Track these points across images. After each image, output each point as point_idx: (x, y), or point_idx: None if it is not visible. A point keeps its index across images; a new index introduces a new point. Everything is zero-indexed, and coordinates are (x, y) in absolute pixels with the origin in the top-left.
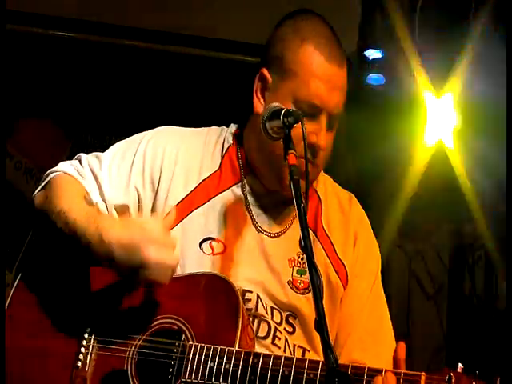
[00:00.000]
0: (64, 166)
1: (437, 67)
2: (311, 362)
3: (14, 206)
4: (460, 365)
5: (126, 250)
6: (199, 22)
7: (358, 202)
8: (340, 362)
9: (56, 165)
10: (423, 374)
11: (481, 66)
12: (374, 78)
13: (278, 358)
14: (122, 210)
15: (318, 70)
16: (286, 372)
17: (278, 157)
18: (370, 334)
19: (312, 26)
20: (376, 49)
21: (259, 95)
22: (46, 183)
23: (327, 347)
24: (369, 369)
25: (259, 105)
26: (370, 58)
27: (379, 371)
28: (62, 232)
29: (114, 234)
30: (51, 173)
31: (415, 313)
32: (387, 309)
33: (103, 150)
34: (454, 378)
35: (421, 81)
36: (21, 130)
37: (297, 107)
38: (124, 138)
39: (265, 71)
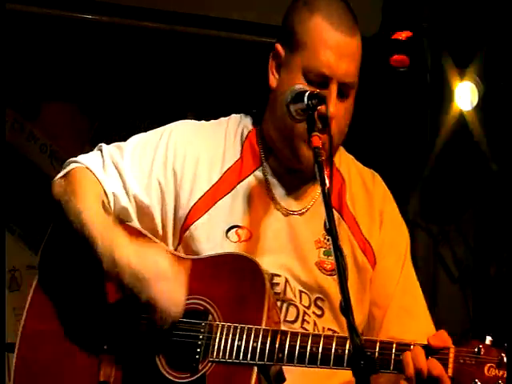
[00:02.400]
0: (86, 160)
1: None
2: (339, 337)
3: (40, 188)
4: (489, 337)
5: (136, 282)
6: (221, 3)
7: (381, 180)
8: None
9: (80, 147)
10: (452, 346)
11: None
12: (398, 59)
13: (305, 336)
14: (142, 205)
15: (326, 39)
16: (313, 349)
17: (294, 131)
18: (405, 310)
19: None
20: (401, 30)
21: (274, 71)
22: (66, 173)
23: (353, 330)
24: (397, 343)
25: (274, 80)
26: (395, 40)
27: (408, 345)
28: (77, 233)
29: (126, 260)
30: (72, 162)
31: (441, 297)
32: (419, 285)
33: (126, 132)
34: (483, 349)
35: (446, 61)
36: (45, 113)
37: (306, 78)
38: (147, 121)
39: (278, 46)
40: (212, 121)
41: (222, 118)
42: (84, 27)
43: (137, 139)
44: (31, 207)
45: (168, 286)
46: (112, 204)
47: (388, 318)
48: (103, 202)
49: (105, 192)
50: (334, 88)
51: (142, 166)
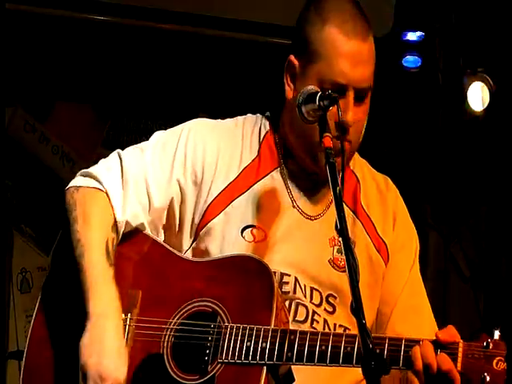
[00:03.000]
0: (104, 178)
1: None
2: (348, 336)
3: (51, 189)
4: (497, 331)
5: (82, 357)
6: (233, 4)
7: (393, 184)
8: (385, 334)
9: (92, 149)
10: (461, 341)
11: None
12: (409, 59)
13: (314, 334)
14: (160, 213)
15: (340, 49)
16: (323, 347)
17: (313, 139)
18: (411, 308)
19: (334, 5)
20: (412, 31)
21: (289, 82)
22: (80, 187)
23: (363, 330)
24: (406, 339)
25: (290, 91)
26: (406, 39)
27: (417, 341)
28: (76, 260)
29: (93, 351)
30: (90, 177)
31: (452, 296)
32: (423, 286)
33: (139, 133)
34: (491, 344)
35: (456, 61)
36: (57, 114)
37: (322, 88)
38: (159, 122)
39: (292, 57)
40: (228, 119)
41: (239, 117)
42: (96, 28)
43: (156, 139)
44: (42, 209)
45: (109, 364)
46: (121, 231)
47: (395, 314)
48: (112, 227)
49: (115, 221)
50: (351, 95)
51: (162, 167)
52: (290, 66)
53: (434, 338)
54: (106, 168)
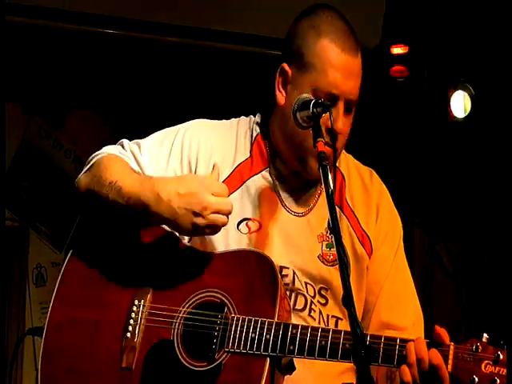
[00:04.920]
0: (107, 149)
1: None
2: (346, 333)
3: (64, 190)
4: (485, 335)
5: (186, 199)
6: (231, 19)
7: (378, 177)
8: (371, 323)
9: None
10: (452, 344)
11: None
12: (397, 70)
13: (315, 330)
14: None
15: (334, 62)
16: (323, 342)
17: (304, 144)
18: (395, 296)
19: (327, 20)
20: (399, 44)
21: (281, 89)
22: (91, 165)
23: (354, 321)
24: (400, 339)
25: (281, 97)
26: (395, 53)
27: (411, 340)
28: (116, 203)
29: (172, 189)
30: (95, 156)
31: (436, 290)
32: (410, 273)
33: (144, 137)
34: (480, 347)
35: (440, 72)
36: (70, 122)
37: (315, 96)
38: (162, 128)
39: (285, 66)
40: (223, 120)
41: (233, 119)
42: (104, 43)
43: (154, 136)
44: (56, 208)
45: (215, 190)
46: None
47: (380, 302)
48: (132, 168)
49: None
50: (341, 105)
51: (158, 160)
52: (282, 73)
53: (421, 327)
54: (107, 146)
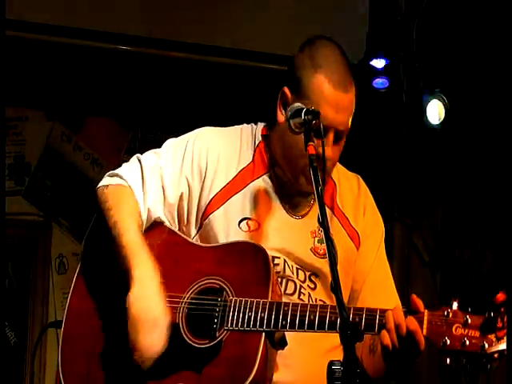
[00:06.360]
0: (127, 176)
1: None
2: (332, 307)
3: (83, 189)
4: (455, 303)
5: (130, 321)
6: (236, 36)
7: (363, 182)
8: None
9: (117, 156)
10: (426, 311)
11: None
12: (378, 82)
13: (304, 306)
14: (173, 206)
15: (326, 97)
16: (311, 317)
17: (298, 161)
18: (378, 284)
19: (326, 54)
20: (381, 58)
21: (281, 109)
22: (108, 185)
23: (341, 306)
24: (380, 310)
25: (281, 116)
26: (377, 66)
27: (389, 310)
28: (113, 239)
29: (131, 298)
30: (115, 176)
31: (413, 278)
32: (389, 266)
33: (156, 142)
34: (451, 313)
35: (417, 83)
36: (88, 127)
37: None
38: (173, 134)
39: (286, 90)
40: (229, 127)
41: (237, 126)
42: (120, 58)
43: (168, 145)
44: (76, 204)
45: (152, 333)
46: (145, 218)
47: (364, 290)
48: (139, 213)
49: (140, 211)
50: (331, 136)
51: (174, 166)
52: (283, 96)
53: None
54: (128, 169)
